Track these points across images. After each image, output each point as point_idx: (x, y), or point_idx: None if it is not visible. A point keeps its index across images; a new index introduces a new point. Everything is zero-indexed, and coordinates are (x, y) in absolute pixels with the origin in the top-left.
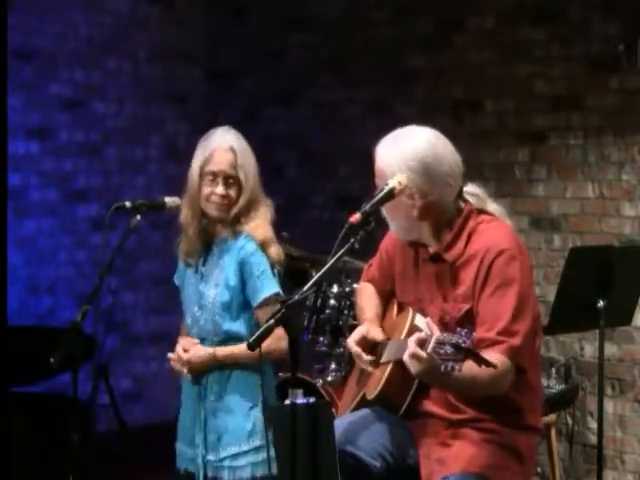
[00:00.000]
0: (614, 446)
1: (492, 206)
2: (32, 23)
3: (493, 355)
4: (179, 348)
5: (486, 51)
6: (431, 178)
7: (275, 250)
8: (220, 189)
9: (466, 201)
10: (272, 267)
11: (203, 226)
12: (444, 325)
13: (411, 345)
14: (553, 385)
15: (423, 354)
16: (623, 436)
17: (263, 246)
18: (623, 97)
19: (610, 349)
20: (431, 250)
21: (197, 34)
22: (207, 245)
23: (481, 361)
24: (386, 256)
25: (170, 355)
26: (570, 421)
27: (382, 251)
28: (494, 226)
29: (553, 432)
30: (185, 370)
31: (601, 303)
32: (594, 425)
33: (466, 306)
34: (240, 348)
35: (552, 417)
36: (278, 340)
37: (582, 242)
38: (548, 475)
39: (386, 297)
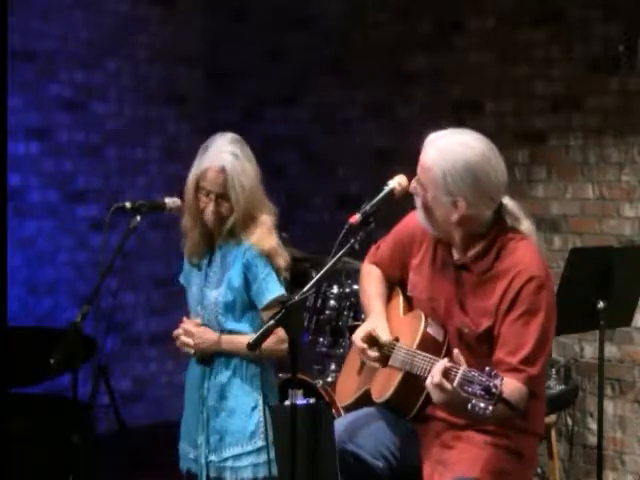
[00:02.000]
0: (614, 447)
1: (525, 224)
2: (33, 24)
3: (511, 382)
4: (184, 325)
5: (486, 52)
6: (479, 192)
7: (282, 258)
8: (211, 207)
9: (501, 215)
10: (278, 274)
11: (205, 230)
12: (461, 337)
13: (437, 376)
14: (553, 386)
15: (449, 387)
16: (623, 437)
17: (269, 257)
18: (623, 98)
19: (610, 350)
20: (456, 256)
21: (197, 35)
22: (211, 246)
23: (512, 408)
24: (402, 243)
25: (176, 331)
26: (570, 422)
27: (399, 236)
28: (524, 245)
29: (553, 433)
30: (192, 342)
31: (601, 304)
32: (594, 426)
33: (487, 322)
34: (246, 338)
35: (552, 418)
36: (281, 342)
37: (582, 243)
38: (548, 476)
39: (391, 283)
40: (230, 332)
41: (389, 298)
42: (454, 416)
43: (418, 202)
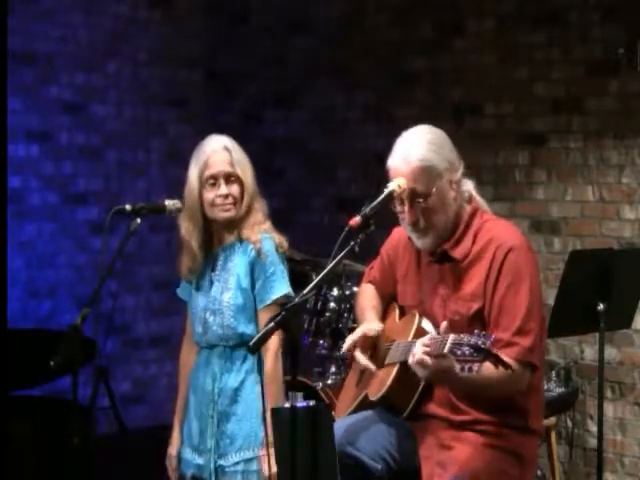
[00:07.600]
0: (614, 449)
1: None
2: (32, 26)
3: (506, 357)
4: None
5: (486, 54)
6: (452, 155)
7: (277, 234)
8: (222, 189)
9: (472, 199)
10: (281, 255)
11: (206, 237)
12: (453, 324)
13: (419, 348)
14: (553, 388)
15: (428, 360)
16: (623, 439)
17: (270, 235)
18: (623, 100)
19: (610, 352)
20: (438, 249)
21: (197, 37)
22: (212, 253)
23: (499, 362)
24: (387, 259)
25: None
26: (570, 424)
27: (383, 254)
28: (499, 224)
29: (553, 435)
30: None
31: (601, 306)
32: (594, 428)
33: (476, 305)
34: None
35: (552, 420)
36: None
37: (582, 245)
38: (548, 478)
39: (387, 300)
40: (241, 336)
41: (386, 313)
42: (451, 391)
43: (411, 217)
